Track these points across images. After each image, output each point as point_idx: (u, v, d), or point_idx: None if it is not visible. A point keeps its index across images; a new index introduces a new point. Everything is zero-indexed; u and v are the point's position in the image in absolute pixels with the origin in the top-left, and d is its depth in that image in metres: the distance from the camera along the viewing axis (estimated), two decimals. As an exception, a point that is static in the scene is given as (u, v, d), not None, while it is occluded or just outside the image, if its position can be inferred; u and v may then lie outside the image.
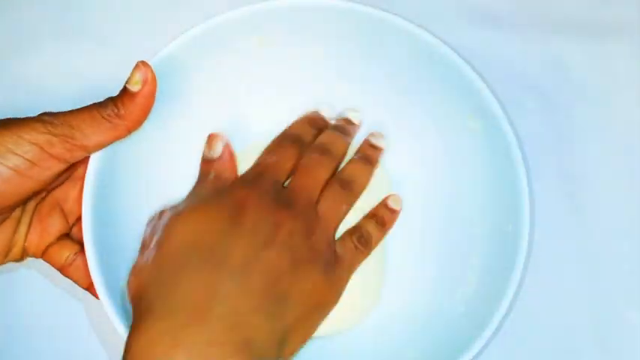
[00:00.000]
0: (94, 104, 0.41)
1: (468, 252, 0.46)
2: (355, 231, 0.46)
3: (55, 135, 0.40)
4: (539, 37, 0.56)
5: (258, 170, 0.45)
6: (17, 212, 0.43)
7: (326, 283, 0.42)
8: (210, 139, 0.46)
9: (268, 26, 0.47)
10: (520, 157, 0.44)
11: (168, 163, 0.47)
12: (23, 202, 0.42)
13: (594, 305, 0.50)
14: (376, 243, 0.46)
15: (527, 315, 0.49)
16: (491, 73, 0.48)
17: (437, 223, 0.48)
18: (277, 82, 0.49)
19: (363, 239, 0.46)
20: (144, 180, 0.46)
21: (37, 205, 0.44)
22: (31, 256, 0.44)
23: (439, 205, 0.48)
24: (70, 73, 0.55)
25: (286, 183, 0.45)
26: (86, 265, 0.41)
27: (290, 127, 0.49)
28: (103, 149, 0.42)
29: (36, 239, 0.44)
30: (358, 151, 0.48)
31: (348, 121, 0.49)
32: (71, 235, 0.45)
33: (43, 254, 0.44)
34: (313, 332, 0.42)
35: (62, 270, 0.44)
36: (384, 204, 0.48)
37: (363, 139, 0.49)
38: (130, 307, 0.40)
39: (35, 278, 0.51)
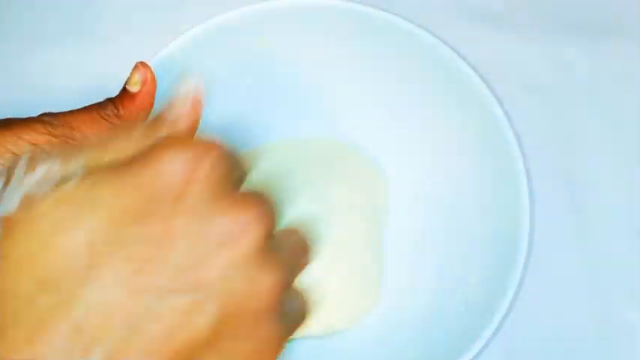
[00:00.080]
0: (94, 104, 0.41)
1: (468, 252, 0.46)
2: None
3: (54, 136, 0.40)
4: (539, 36, 0.56)
5: None
6: None
7: None
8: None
9: (268, 26, 0.47)
10: (520, 156, 0.44)
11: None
12: (23, 202, 0.42)
13: (594, 305, 0.50)
14: None
15: (527, 315, 0.49)
16: (490, 72, 0.48)
17: (436, 223, 0.48)
18: (278, 83, 0.49)
19: None
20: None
21: None
22: None
23: (438, 205, 0.48)
24: (71, 73, 0.55)
25: None
26: None
27: None
28: None
29: None
30: None
31: None
32: None
33: None
34: None
35: None
36: None
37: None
38: None
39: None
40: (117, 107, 0.41)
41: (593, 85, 0.55)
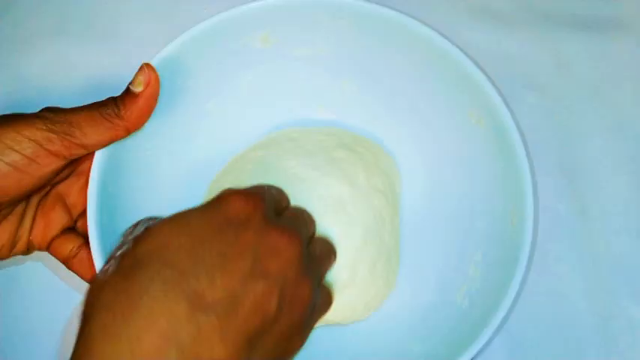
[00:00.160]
0: (96, 103, 0.41)
1: (473, 247, 0.46)
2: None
3: (54, 132, 0.40)
4: (540, 33, 0.56)
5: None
6: (21, 207, 0.43)
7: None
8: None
9: (269, 25, 0.47)
10: (524, 154, 0.44)
11: (170, 160, 0.47)
12: (23, 197, 0.42)
13: (598, 302, 0.50)
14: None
15: (531, 312, 0.49)
16: (492, 69, 0.48)
17: (442, 219, 0.48)
18: (279, 81, 0.49)
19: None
20: (148, 175, 0.46)
21: (40, 199, 0.44)
22: (36, 249, 0.44)
23: (444, 201, 0.48)
24: (72, 71, 0.55)
25: None
26: (90, 258, 0.41)
27: None
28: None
29: (40, 232, 0.44)
30: None
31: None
32: (76, 229, 0.45)
33: (49, 247, 0.44)
34: None
35: (67, 262, 0.44)
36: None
37: None
38: None
39: (41, 271, 0.50)
40: (118, 107, 0.41)
41: (594, 81, 0.55)
